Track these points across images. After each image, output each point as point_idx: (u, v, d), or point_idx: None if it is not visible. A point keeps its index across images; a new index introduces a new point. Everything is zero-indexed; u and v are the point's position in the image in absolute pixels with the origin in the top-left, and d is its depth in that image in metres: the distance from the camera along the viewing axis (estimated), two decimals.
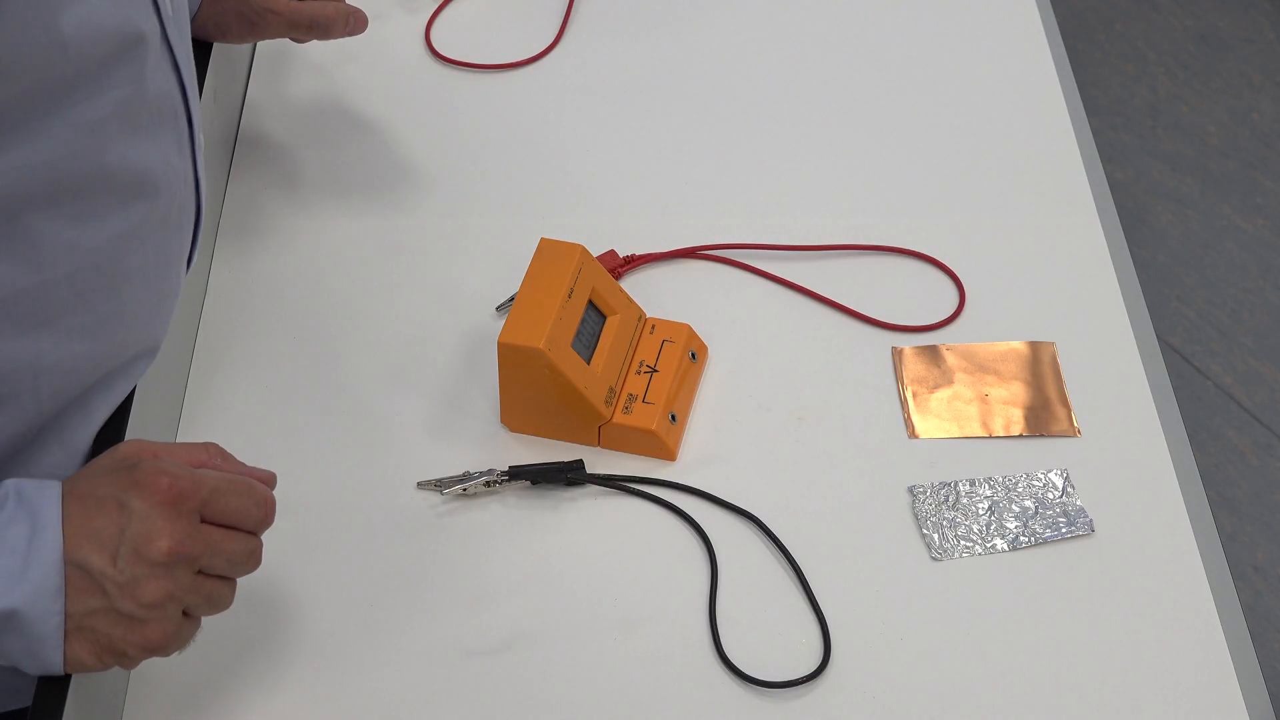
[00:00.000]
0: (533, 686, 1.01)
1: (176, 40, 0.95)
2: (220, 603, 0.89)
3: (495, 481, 1.10)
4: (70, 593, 0.83)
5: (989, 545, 1.08)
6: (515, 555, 1.08)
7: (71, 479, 0.87)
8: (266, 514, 0.89)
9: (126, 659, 0.86)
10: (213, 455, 0.90)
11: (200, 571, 0.87)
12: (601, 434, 1.13)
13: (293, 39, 1.26)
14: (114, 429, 1.04)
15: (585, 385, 1.10)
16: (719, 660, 1.02)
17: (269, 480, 0.92)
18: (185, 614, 0.87)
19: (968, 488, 1.11)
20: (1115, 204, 1.33)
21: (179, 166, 0.97)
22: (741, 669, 1.02)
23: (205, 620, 1.03)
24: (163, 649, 0.86)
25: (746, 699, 1.01)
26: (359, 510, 1.10)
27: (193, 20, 1.23)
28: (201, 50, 1.28)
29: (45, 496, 0.85)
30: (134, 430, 1.04)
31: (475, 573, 1.07)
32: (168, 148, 0.95)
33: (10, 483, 0.85)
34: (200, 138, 1.01)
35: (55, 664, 0.85)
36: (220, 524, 0.87)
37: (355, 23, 1.24)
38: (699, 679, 1.01)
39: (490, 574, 1.07)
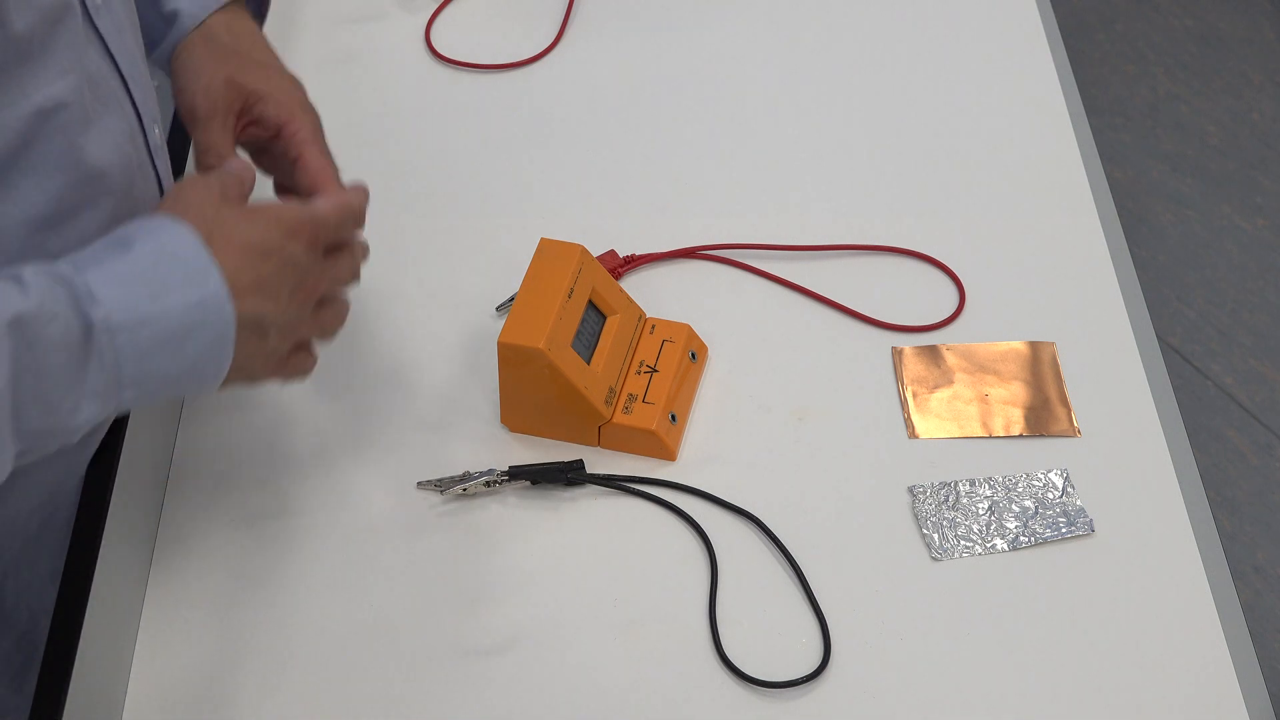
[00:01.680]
0: (533, 686, 1.01)
1: (105, 25, 0.93)
2: (333, 329, 0.97)
3: (495, 481, 1.10)
4: (241, 346, 0.87)
5: (989, 545, 1.08)
6: (515, 555, 1.08)
7: (206, 225, 0.87)
8: (360, 223, 0.98)
9: (254, 383, 0.94)
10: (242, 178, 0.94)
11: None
12: (601, 434, 1.13)
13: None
14: (114, 433, 1.04)
15: (585, 385, 1.10)
16: (719, 660, 1.02)
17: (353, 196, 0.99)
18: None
19: (968, 488, 1.11)
20: (1115, 204, 1.33)
21: (134, 157, 0.96)
22: (741, 669, 1.02)
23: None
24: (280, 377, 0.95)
25: (746, 699, 1.01)
26: (359, 510, 1.10)
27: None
28: None
29: (194, 252, 0.86)
30: (133, 434, 1.04)
31: (475, 573, 1.07)
32: (120, 137, 0.94)
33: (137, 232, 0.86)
34: (156, 130, 0.99)
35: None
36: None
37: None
38: (699, 679, 1.02)
39: (490, 574, 1.07)
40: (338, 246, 0.95)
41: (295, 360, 0.94)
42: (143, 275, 0.83)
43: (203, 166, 1.03)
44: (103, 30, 0.92)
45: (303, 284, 0.91)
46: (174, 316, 0.83)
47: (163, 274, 0.84)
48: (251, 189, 0.94)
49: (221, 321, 0.85)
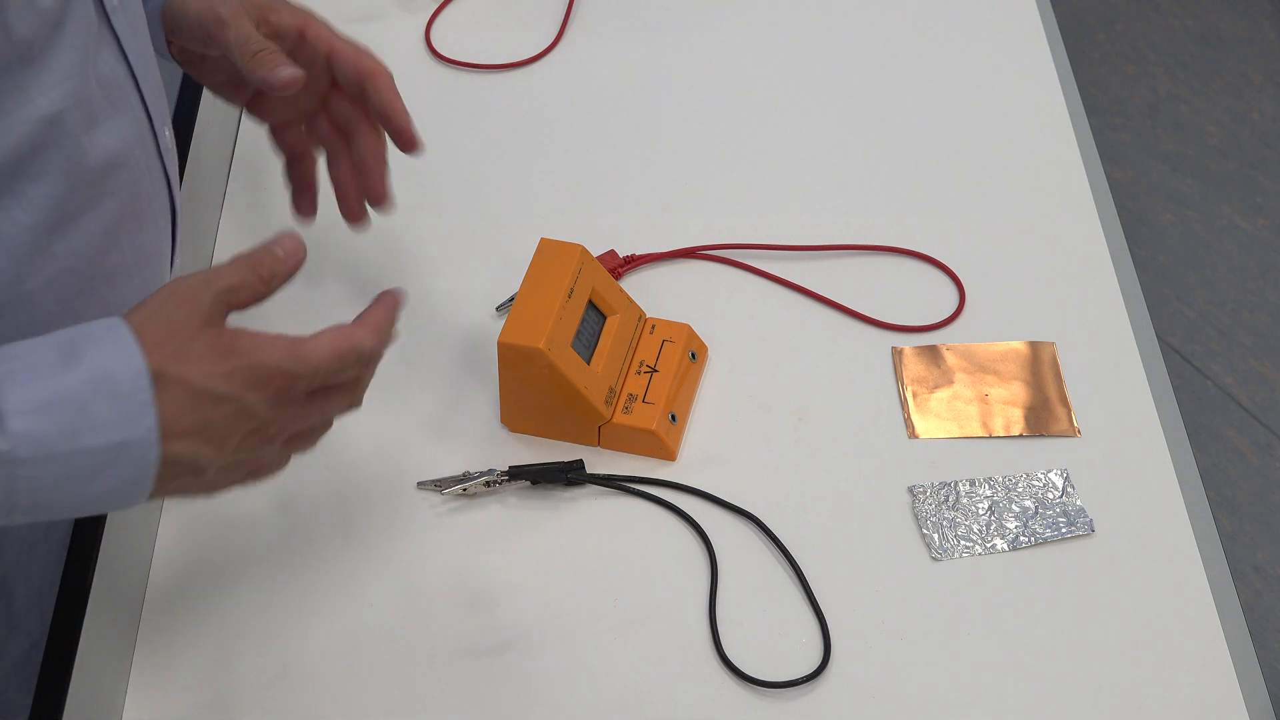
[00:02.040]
0: (533, 686, 1.01)
1: (122, 26, 0.93)
2: (305, 446, 0.90)
3: (495, 481, 1.10)
4: (163, 477, 0.81)
5: (989, 545, 1.08)
6: (515, 555, 1.08)
7: (163, 356, 0.80)
8: (365, 367, 0.88)
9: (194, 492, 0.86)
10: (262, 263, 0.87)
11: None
12: (601, 434, 1.13)
13: (229, 96, 1.14)
14: None
15: (585, 385, 1.10)
16: (719, 660, 1.02)
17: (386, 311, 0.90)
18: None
19: (968, 488, 1.11)
20: (1115, 204, 1.33)
21: (141, 158, 0.95)
22: (741, 669, 1.02)
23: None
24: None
25: (746, 699, 1.01)
26: (359, 510, 1.10)
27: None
28: None
29: (135, 387, 0.80)
30: None
31: (475, 573, 1.07)
32: (129, 139, 0.94)
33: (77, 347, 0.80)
34: (167, 132, 0.99)
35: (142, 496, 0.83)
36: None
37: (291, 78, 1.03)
38: (699, 679, 1.02)
39: (490, 574, 1.07)
40: (333, 387, 0.88)
41: (252, 477, 0.88)
42: (70, 404, 0.78)
43: (247, 55, 1.01)
44: (119, 31, 0.92)
45: (260, 430, 0.84)
46: (88, 456, 0.78)
47: (93, 408, 0.78)
48: (294, 270, 0.88)
49: (142, 463, 0.79)
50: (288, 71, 1.02)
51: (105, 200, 0.92)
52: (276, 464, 0.88)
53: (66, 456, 0.77)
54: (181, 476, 0.82)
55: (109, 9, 0.91)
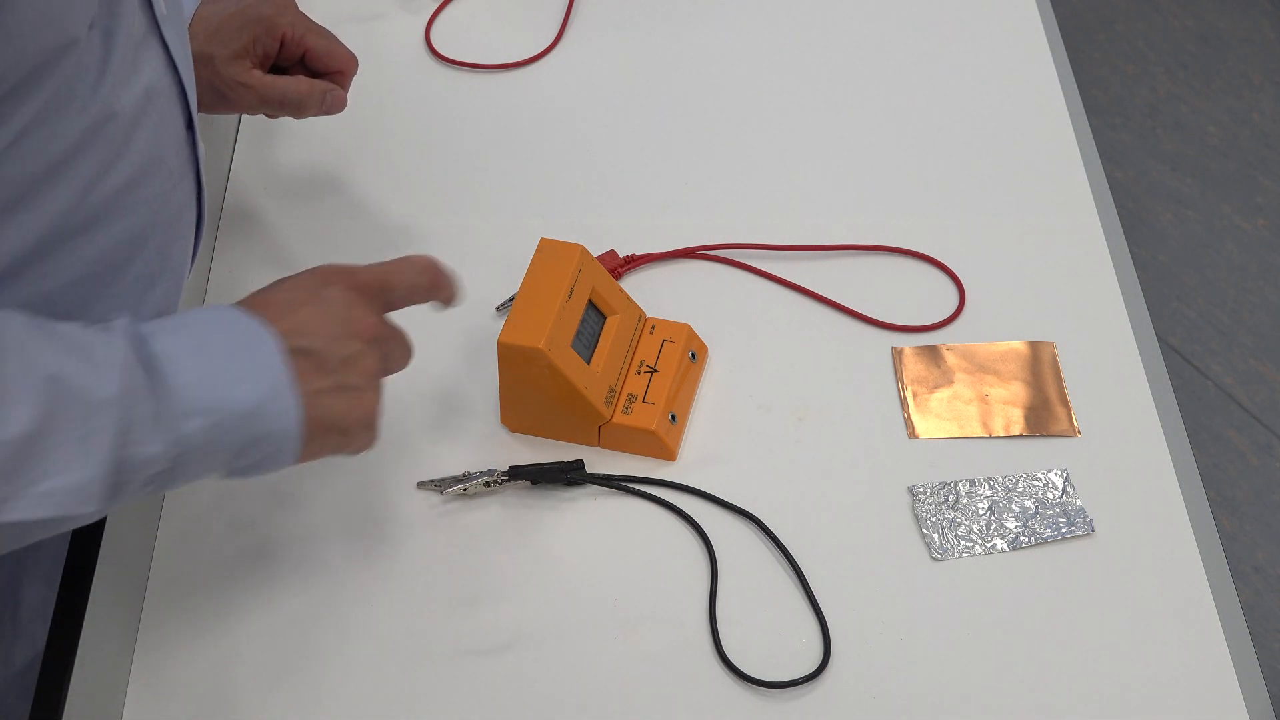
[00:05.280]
0: (533, 686, 1.01)
1: (170, 34, 0.93)
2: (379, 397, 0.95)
3: (495, 481, 1.10)
4: (300, 376, 0.88)
5: (989, 545, 1.08)
6: (515, 555, 1.08)
7: (242, 302, 0.91)
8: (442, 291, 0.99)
9: (348, 437, 0.92)
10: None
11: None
12: (601, 434, 1.13)
13: (265, 115, 1.22)
14: None
15: (585, 385, 1.10)
16: (719, 660, 1.02)
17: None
18: None
19: (968, 488, 1.11)
20: (1115, 204, 1.33)
21: (177, 167, 0.95)
22: (741, 669, 1.02)
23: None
24: (374, 425, 0.93)
25: (746, 699, 1.01)
26: (359, 510, 1.10)
27: None
28: None
29: (234, 313, 0.89)
30: None
31: (475, 573, 1.07)
32: (166, 148, 0.94)
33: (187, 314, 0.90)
34: (201, 145, 0.99)
35: (292, 454, 0.89)
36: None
37: (332, 101, 1.19)
38: (699, 679, 1.02)
39: (490, 574, 1.07)
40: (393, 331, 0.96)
41: (365, 396, 0.93)
42: (194, 326, 0.88)
43: (291, 109, 1.18)
44: (168, 39, 0.92)
45: (355, 323, 0.92)
46: (223, 358, 0.87)
47: (210, 332, 0.88)
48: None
49: (268, 351, 0.88)
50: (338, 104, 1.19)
51: (138, 207, 0.92)
52: (374, 377, 0.93)
53: (209, 358, 0.86)
54: (310, 372, 0.89)
55: (159, 18, 0.91)
